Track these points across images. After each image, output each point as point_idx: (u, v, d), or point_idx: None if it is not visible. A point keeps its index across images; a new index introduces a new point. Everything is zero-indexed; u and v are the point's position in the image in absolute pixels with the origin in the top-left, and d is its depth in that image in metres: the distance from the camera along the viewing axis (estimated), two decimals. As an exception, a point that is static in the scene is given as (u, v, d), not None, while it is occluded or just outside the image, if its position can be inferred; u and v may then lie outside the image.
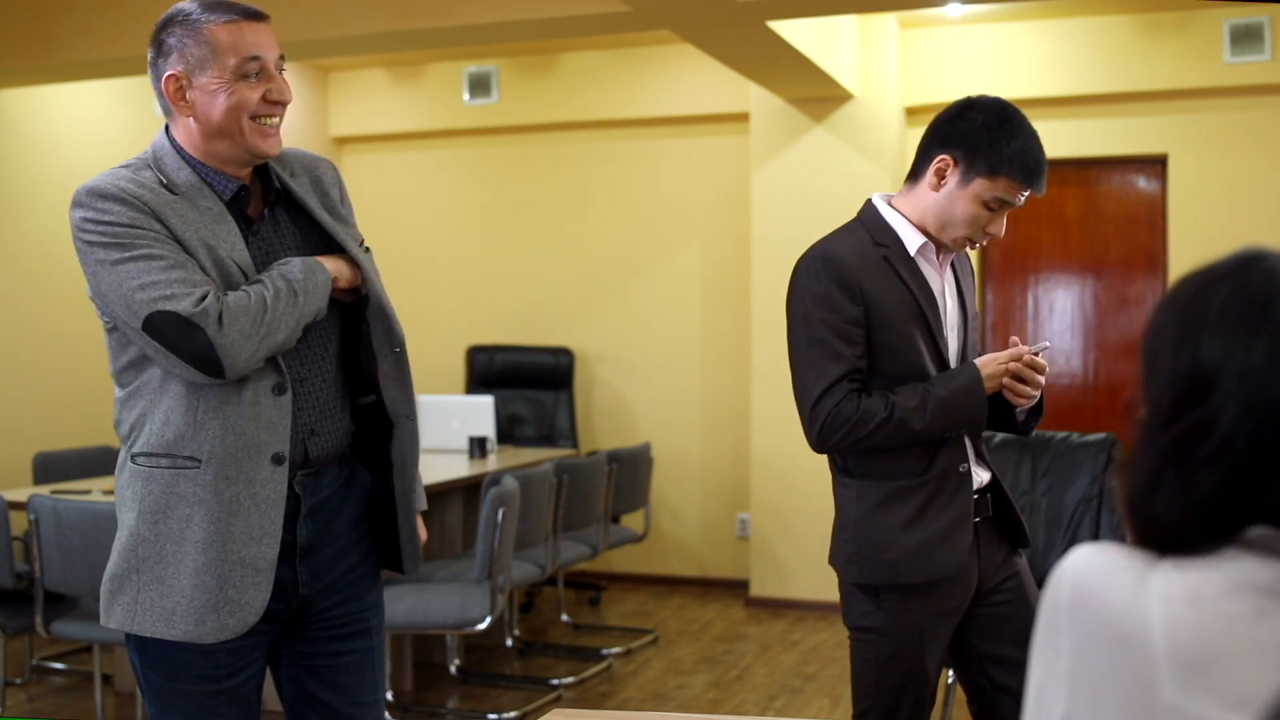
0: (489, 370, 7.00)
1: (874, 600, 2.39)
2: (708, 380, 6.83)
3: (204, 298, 1.94)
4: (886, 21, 6.17)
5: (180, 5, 2.05)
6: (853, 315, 2.33)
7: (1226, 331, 0.94)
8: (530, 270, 7.12)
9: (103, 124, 6.55)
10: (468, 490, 5.32)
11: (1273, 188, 5.96)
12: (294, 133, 7.12)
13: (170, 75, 2.02)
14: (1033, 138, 2.32)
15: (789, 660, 5.36)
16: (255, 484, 2.01)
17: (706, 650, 5.53)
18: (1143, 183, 6.31)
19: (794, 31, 5.10)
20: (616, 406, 7.00)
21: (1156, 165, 6.23)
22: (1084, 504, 3.81)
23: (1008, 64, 6.11)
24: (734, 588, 6.64)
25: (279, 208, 2.15)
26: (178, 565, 2.00)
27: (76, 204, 2.00)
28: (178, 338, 1.94)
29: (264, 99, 2.02)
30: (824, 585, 6.22)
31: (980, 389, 2.34)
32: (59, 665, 5.15)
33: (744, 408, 6.58)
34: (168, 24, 2.03)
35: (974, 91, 2.45)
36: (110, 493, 4.50)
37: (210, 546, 1.99)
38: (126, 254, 1.95)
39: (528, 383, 6.91)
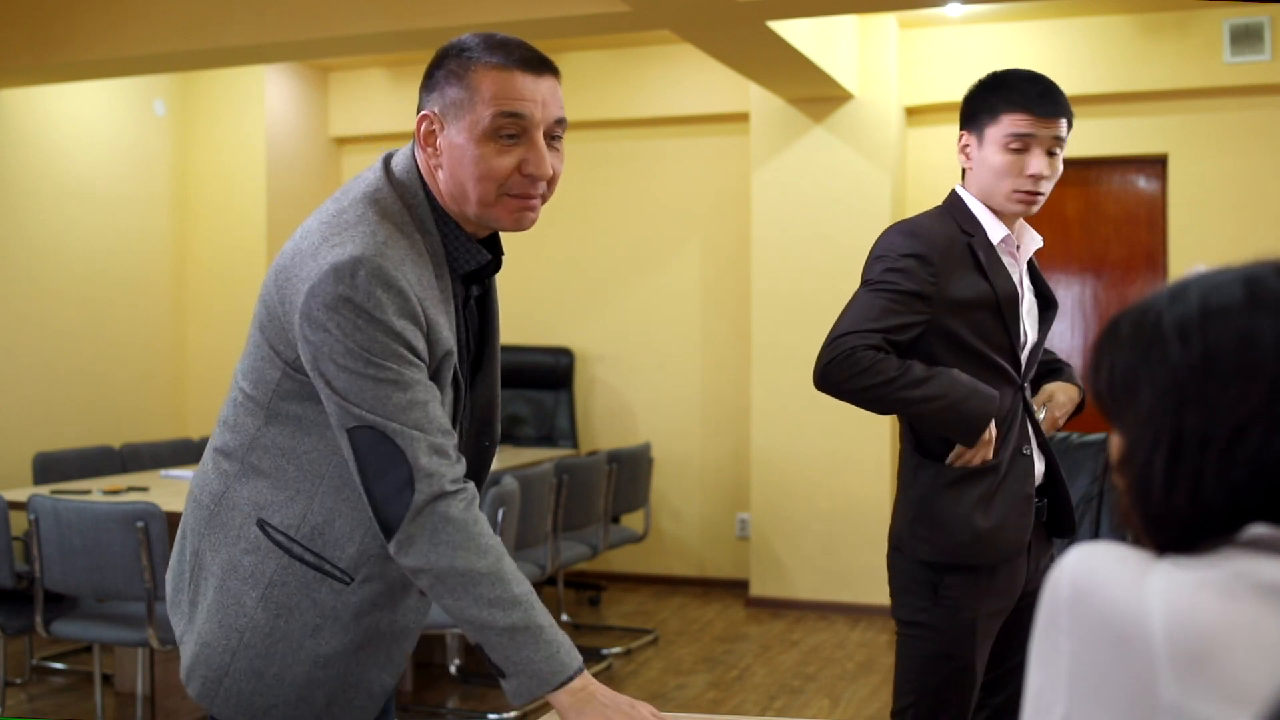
0: (489, 370, 7.00)
1: (931, 595, 2.40)
2: (708, 380, 6.83)
3: (459, 481, 1.65)
4: (886, 21, 6.17)
5: (465, 37, 1.73)
6: (921, 290, 2.35)
7: (1237, 317, 0.94)
8: (530, 270, 7.12)
9: (103, 124, 6.56)
10: (468, 490, 5.31)
11: (1273, 188, 5.96)
12: (294, 133, 7.15)
13: (424, 115, 1.72)
14: (1026, 74, 2.42)
15: (789, 660, 5.36)
16: (398, 613, 1.82)
17: (706, 650, 5.53)
18: (1143, 183, 6.31)
19: (794, 31, 5.10)
20: (616, 406, 7.00)
21: (1156, 165, 6.23)
22: (1084, 504, 3.81)
23: (1008, 64, 6.03)
24: (734, 588, 6.64)
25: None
26: (284, 668, 1.77)
27: (338, 275, 1.61)
28: (380, 471, 1.63)
29: (520, 171, 1.68)
30: (824, 585, 6.24)
31: (991, 408, 2.34)
32: (59, 665, 5.15)
33: (744, 408, 6.58)
34: (445, 55, 1.73)
35: None
36: (111, 492, 4.50)
37: (331, 664, 1.79)
38: (389, 375, 1.62)
39: (528, 383, 6.91)
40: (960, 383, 2.35)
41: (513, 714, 4.56)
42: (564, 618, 5.99)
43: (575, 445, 6.75)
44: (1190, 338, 0.95)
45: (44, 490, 4.46)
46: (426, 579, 1.65)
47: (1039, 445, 2.48)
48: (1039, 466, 2.47)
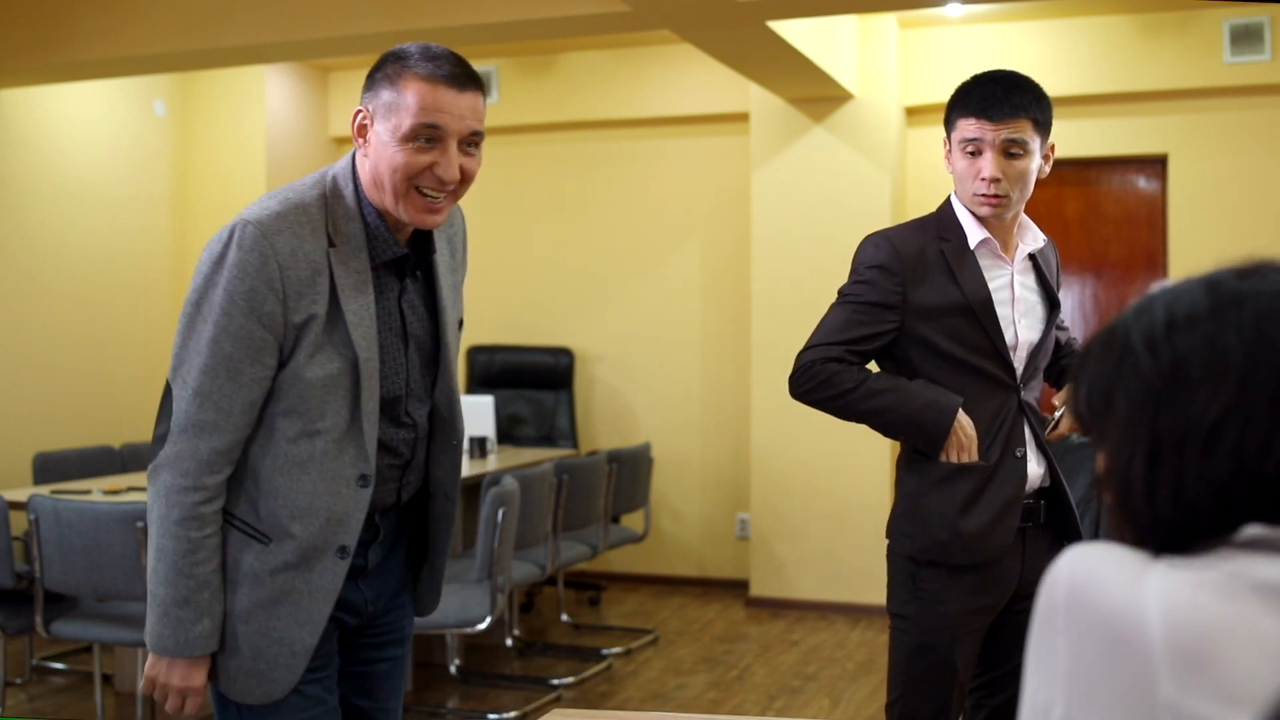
0: (489, 370, 7.00)
1: (912, 587, 2.45)
2: (708, 380, 6.83)
3: (205, 467, 1.87)
4: (886, 21, 6.17)
5: (408, 45, 1.92)
6: (886, 300, 2.44)
7: (1202, 322, 0.96)
8: (530, 270, 7.12)
9: (103, 124, 6.56)
10: (468, 490, 5.30)
11: (1273, 188, 5.96)
12: (294, 133, 7.15)
13: (360, 110, 1.93)
14: (986, 77, 2.44)
15: (789, 660, 5.36)
16: (314, 572, 1.95)
17: (706, 650, 5.53)
18: (1143, 183, 6.31)
19: (794, 31, 5.10)
20: (616, 406, 7.00)
21: (1156, 165, 6.23)
22: (1083, 504, 3.81)
23: (1008, 64, 6.03)
24: (734, 588, 6.64)
25: (426, 268, 2.06)
26: (231, 628, 1.95)
27: (220, 236, 1.87)
28: (160, 419, 1.91)
29: (430, 170, 1.88)
30: (824, 585, 6.23)
31: (948, 419, 2.40)
32: (59, 665, 5.15)
33: (744, 408, 6.58)
34: (385, 59, 1.92)
35: None
36: (111, 492, 4.51)
37: (250, 619, 1.94)
38: (214, 330, 1.85)
39: (528, 383, 6.91)
40: (916, 395, 2.41)
41: (512, 714, 4.56)
42: (564, 618, 5.99)
43: (575, 445, 6.75)
44: (1159, 348, 0.97)
45: (44, 490, 4.45)
46: (147, 515, 1.94)
47: (1039, 448, 2.48)
48: (1036, 469, 2.47)
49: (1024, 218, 2.53)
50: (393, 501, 2.08)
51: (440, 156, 1.87)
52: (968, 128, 2.41)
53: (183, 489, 1.88)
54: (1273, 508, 0.92)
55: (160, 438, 1.90)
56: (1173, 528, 0.96)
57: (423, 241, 2.02)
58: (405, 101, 1.86)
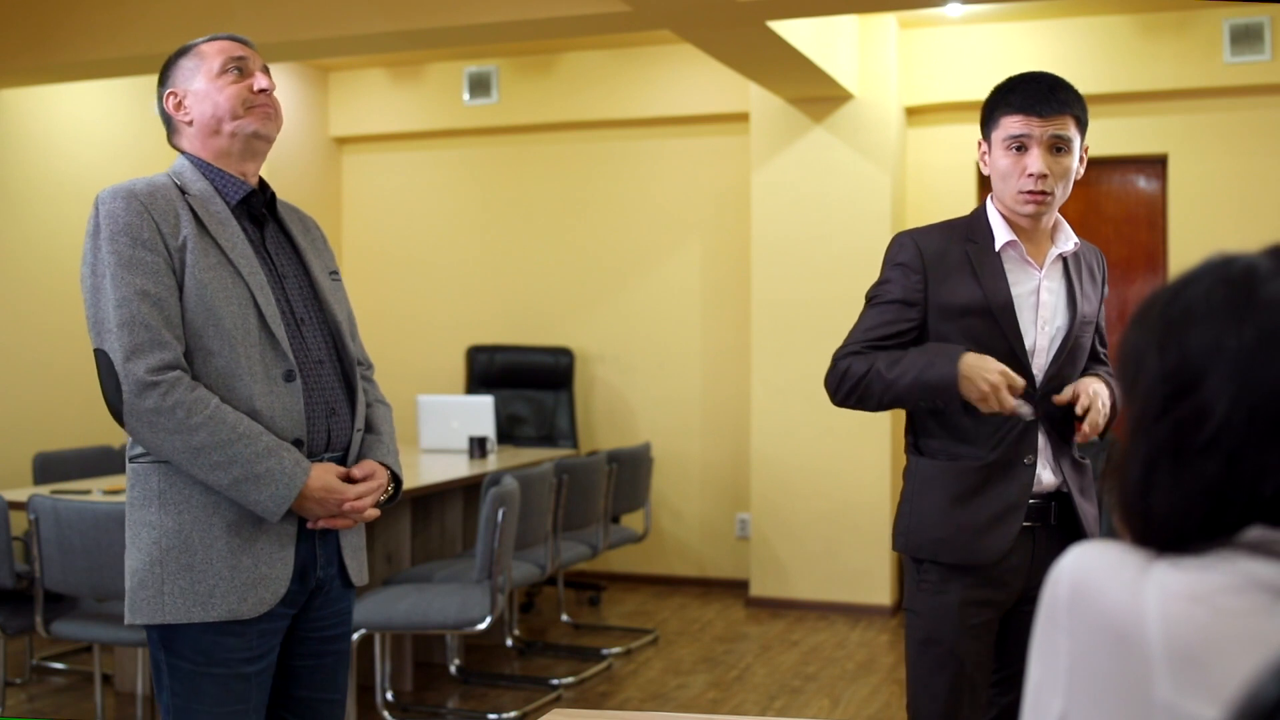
0: (489, 370, 7.00)
1: (917, 580, 2.47)
2: (708, 380, 6.83)
3: (160, 370, 2.05)
4: (886, 21, 6.17)
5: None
6: (908, 297, 2.46)
7: (1214, 320, 0.94)
8: (530, 270, 7.12)
9: (103, 124, 6.56)
10: (468, 490, 5.32)
11: (1273, 188, 5.96)
12: (294, 133, 7.14)
13: (169, 93, 2.29)
14: (1030, 75, 2.44)
15: (789, 660, 5.36)
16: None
17: (706, 650, 5.53)
18: (1143, 183, 6.31)
19: (794, 31, 5.10)
20: (616, 406, 7.00)
21: (1156, 165, 6.23)
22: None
23: (1008, 64, 6.05)
24: (734, 588, 6.64)
25: (275, 222, 2.32)
26: (207, 550, 2.09)
27: (93, 210, 2.15)
28: (105, 380, 2.09)
29: (250, 89, 2.25)
30: (824, 585, 6.23)
31: (951, 368, 2.34)
32: (59, 665, 5.15)
33: (744, 408, 6.58)
34: (169, 62, 2.31)
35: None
36: (111, 492, 4.50)
37: (242, 528, 2.10)
38: (120, 276, 2.07)
39: (528, 383, 6.91)
40: (919, 356, 2.40)
41: (512, 714, 4.56)
42: (564, 618, 5.99)
43: (575, 445, 6.75)
44: (1168, 346, 0.95)
45: (44, 490, 4.45)
46: (165, 456, 2.07)
47: (1054, 458, 2.45)
48: (1051, 479, 2.45)
49: (1059, 219, 2.52)
50: (323, 442, 2.21)
51: (251, 77, 2.26)
52: (1013, 124, 2.39)
53: (169, 388, 2.04)
54: (1273, 517, 0.92)
55: (115, 385, 2.05)
56: (1166, 528, 0.95)
57: (264, 191, 2.31)
58: (207, 54, 2.26)
